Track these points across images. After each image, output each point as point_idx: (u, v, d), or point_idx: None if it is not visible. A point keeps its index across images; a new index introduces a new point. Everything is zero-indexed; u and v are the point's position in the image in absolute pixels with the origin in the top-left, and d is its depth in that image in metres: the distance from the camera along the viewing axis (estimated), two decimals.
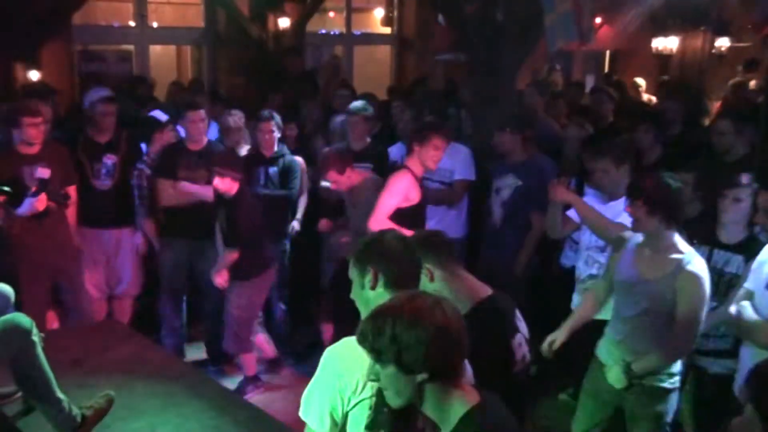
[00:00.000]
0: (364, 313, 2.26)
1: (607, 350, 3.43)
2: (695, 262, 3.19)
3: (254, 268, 4.78)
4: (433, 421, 1.84)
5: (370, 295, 2.23)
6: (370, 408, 2.11)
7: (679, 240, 3.24)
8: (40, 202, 4.46)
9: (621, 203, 3.89)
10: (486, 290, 2.63)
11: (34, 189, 4.46)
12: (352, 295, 2.31)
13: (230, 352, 5.00)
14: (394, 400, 1.83)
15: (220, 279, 4.74)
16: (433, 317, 1.77)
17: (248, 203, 4.76)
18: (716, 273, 3.51)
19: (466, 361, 1.96)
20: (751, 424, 1.96)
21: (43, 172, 4.49)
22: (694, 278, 3.14)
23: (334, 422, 2.14)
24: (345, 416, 2.14)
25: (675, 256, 3.19)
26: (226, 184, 4.61)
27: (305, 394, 2.20)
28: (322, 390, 2.14)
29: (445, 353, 1.77)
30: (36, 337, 3.22)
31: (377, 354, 1.79)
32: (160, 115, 5.88)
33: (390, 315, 1.79)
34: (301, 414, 2.20)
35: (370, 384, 2.08)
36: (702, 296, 3.15)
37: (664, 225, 3.19)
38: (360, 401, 2.11)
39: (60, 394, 3.25)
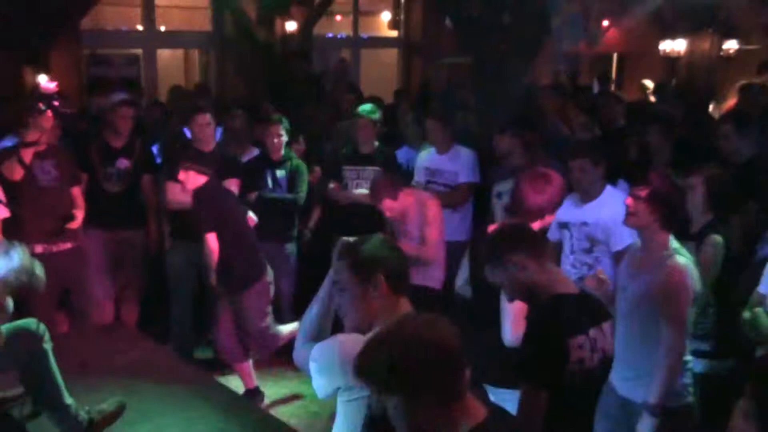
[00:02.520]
0: (351, 323, 2.24)
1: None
2: (679, 256, 3.10)
3: (251, 274, 4.62)
4: None
5: (377, 302, 2.20)
6: (369, 407, 2.11)
7: (671, 239, 3.17)
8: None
9: (597, 204, 3.97)
10: (569, 287, 2.57)
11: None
12: (349, 307, 2.25)
13: (230, 361, 4.92)
14: (403, 427, 1.79)
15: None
16: (428, 336, 1.75)
17: (215, 198, 4.57)
18: None
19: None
20: (748, 420, 1.93)
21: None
22: (676, 271, 3.05)
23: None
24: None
25: (662, 252, 3.12)
26: (189, 178, 4.46)
27: (319, 354, 2.20)
28: (332, 374, 2.15)
29: (447, 370, 1.75)
30: (48, 344, 3.23)
31: (379, 386, 1.76)
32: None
33: (384, 343, 1.76)
34: (310, 364, 2.20)
35: None
36: (683, 289, 3.04)
37: (659, 224, 3.12)
38: (358, 398, 2.12)
39: (68, 400, 3.26)
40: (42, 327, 3.24)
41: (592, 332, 2.46)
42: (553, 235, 4.13)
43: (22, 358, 3.17)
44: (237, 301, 4.63)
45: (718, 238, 3.57)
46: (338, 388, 2.17)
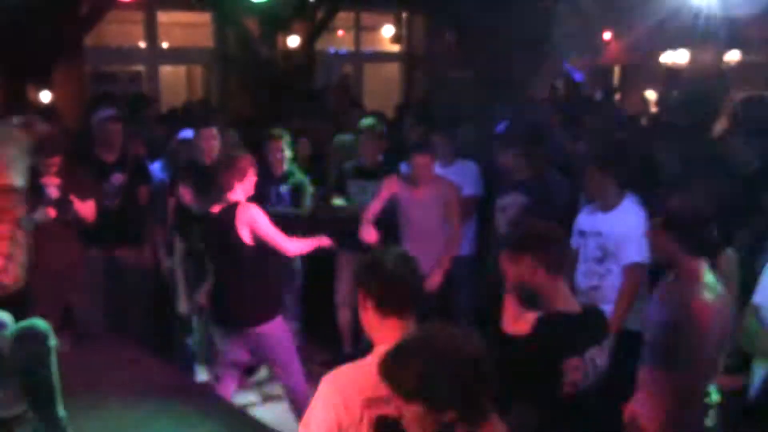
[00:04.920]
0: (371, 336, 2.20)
1: None
2: (707, 292, 2.77)
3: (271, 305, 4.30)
4: None
5: (366, 316, 2.16)
6: None
7: (704, 270, 2.83)
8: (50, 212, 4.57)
9: (613, 215, 3.92)
10: (570, 305, 2.50)
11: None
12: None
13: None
14: None
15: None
16: (461, 350, 1.72)
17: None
18: None
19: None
20: None
21: (53, 191, 4.58)
22: (699, 308, 2.73)
23: None
24: None
25: (691, 285, 2.78)
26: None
27: (302, 425, 2.12)
28: (320, 422, 2.05)
29: (474, 387, 1.71)
30: (52, 341, 3.21)
31: (403, 391, 1.73)
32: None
33: (415, 349, 1.74)
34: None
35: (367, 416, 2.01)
36: (703, 328, 2.72)
37: (686, 252, 2.79)
38: None
39: (61, 412, 3.22)
40: (47, 325, 3.21)
41: (590, 353, 2.40)
42: (574, 242, 4.11)
43: (25, 357, 3.14)
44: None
45: (731, 252, 3.51)
46: None
